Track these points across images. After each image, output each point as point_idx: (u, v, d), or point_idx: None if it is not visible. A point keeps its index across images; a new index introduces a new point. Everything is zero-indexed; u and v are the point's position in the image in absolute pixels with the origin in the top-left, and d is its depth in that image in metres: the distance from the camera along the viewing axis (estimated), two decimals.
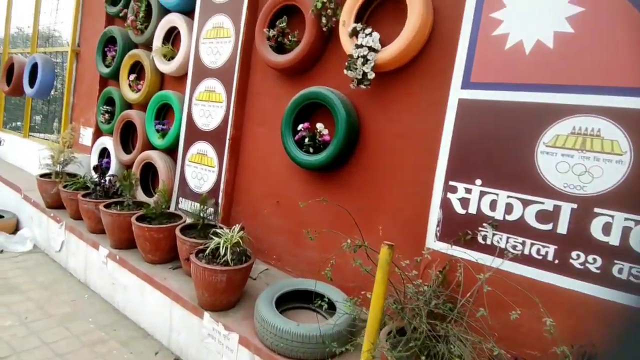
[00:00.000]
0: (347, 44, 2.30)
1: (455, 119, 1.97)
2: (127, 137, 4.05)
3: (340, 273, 2.46)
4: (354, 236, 2.48)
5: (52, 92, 5.11)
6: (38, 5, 5.33)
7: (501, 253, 1.79)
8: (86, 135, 4.48)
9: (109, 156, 4.15)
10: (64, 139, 3.79)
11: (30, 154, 4.92)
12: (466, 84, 1.95)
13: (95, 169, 3.39)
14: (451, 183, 1.98)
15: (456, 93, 1.97)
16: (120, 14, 3.84)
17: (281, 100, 2.85)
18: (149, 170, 3.76)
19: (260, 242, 2.89)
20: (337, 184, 2.58)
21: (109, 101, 4.20)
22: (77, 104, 4.73)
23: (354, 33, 2.27)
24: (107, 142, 4.12)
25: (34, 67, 4.87)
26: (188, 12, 3.48)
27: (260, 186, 3.01)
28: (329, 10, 2.38)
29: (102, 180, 3.21)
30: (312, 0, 2.50)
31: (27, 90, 4.91)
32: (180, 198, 3.39)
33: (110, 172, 3.99)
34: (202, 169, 3.23)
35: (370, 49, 2.14)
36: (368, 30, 2.21)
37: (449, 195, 1.99)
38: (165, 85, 3.79)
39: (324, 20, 2.40)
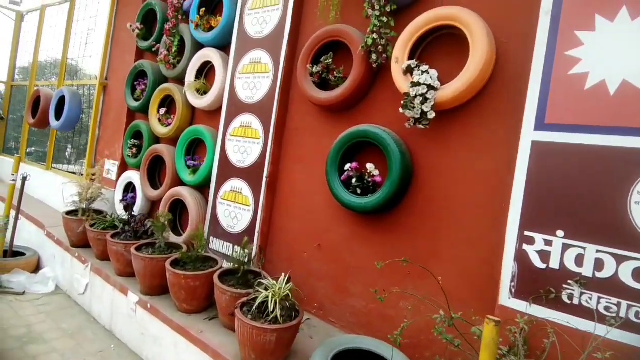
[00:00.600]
0: (401, 82, 2.22)
1: (529, 162, 1.84)
2: (155, 172, 4.01)
3: (391, 326, 2.28)
4: (409, 286, 2.32)
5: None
6: (67, 38, 5.48)
7: (597, 316, 1.60)
8: (111, 169, 4.45)
9: (134, 191, 4.09)
10: (93, 175, 3.75)
11: (54, 188, 4.92)
12: (540, 126, 1.83)
13: (126, 207, 3.32)
14: (527, 233, 1.82)
15: (529, 134, 1.85)
16: (153, 49, 3.88)
17: (322, 137, 2.76)
18: (177, 207, 3.68)
19: (300, 288, 2.73)
20: (387, 228, 2.44)
21: (137, 135, 4.19)
22: (102, 137, 4.74)
23: (409, 70, 2.19)
24: (134, 176, 4.08)
25: (61, 100, 4.94)
26: (222, 47, 3.48)
27: (298, 227, 2.88)
28: (379, 47, 2.32)
29: (132, 220, 3.12)
30: (358, 36, 2.46)
31: (53, 123, 4.96)
32: (212, 238, 3.28)
33: (136, 207, 3.92)
34: (235, 208, 3.13)
35: (430, 87, 2.05)
36: (424, 67, 2.13)
37: (525, 247, 1.82)
38: (196, 120, 3.76)
39: (373, 56, 2.34)
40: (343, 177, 2.49)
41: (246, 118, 3.14)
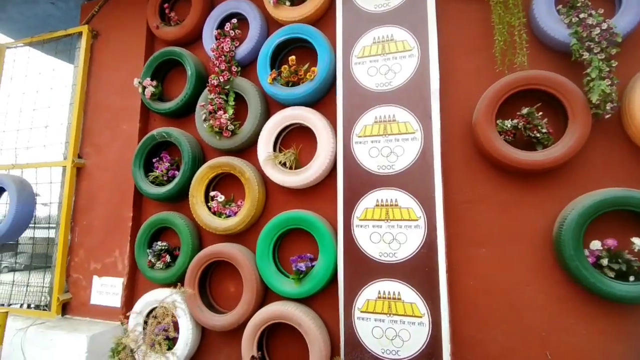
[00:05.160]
0: None
1: None
2: (204, 287, 3.01)
3: None
4: None
5: None
6: None
7: None
8: (107, 289, 3.21)
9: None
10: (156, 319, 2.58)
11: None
12: None
13: None
14: None
15: None
16: (210, 113, 3.00)
17: (516, 209, 2.38)
18: (262, 337, 2.73)
19: None
20: None
21: (157, 235, 3.16)
22: (80, 243, 3.44)
23: None
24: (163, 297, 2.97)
25: None
26: (311, 105, 2.90)
27: (504, 335, 2.32)
28: (612, 95, 2.12)
29: None
30: (567, 83, 2.23)
31: None
32: None
33: (181, 344, 2.82)
34: (393, 322, 2.41)
35: None
36: None
37: None
38: (270, 203, 2.97)
39: (608, 107, 2.12)
40: (591, 258, 2.10)
41: (385, 194, 2.55)
